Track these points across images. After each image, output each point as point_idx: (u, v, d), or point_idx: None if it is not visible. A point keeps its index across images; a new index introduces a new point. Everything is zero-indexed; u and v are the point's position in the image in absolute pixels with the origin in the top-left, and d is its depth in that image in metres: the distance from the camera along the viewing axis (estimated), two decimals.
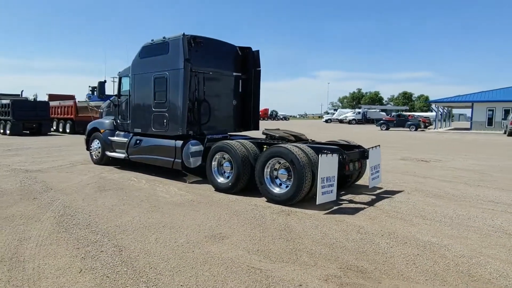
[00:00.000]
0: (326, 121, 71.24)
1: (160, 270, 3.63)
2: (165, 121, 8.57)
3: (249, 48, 9.68)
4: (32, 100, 29.77)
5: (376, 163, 7.26)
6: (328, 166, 5.87)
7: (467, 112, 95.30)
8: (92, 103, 29.27)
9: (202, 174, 8.81)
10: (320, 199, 5.75)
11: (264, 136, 8.35)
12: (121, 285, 3.32)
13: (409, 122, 37.63)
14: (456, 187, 7.96)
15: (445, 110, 44.04)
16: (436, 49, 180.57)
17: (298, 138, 7.79)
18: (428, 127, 40.29)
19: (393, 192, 7.33)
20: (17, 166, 10.39)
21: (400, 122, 38.49)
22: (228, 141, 7.41)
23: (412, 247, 4.34)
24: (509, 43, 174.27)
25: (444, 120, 44.25)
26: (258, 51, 9.68)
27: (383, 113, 64.58)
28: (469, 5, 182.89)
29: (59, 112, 27.56)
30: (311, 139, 8.00)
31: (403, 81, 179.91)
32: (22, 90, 32.44)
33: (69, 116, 26.52)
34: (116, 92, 10.72)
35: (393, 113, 58.81)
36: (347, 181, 7.41)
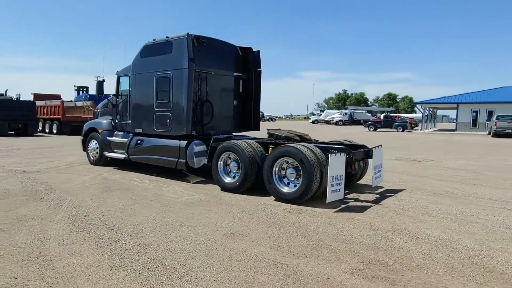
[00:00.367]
0: (313, 122, 71.84)
1: (190, 267, 3.71)
2: (168, 121, 8.61)
3: (250, 49, 9.78)
4: (15, 99, 29.12)
5: (379, 162, 7.47)
6: (337, 165, 6.04)
7: (450, 113, 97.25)
8: (79, 103, 28.94)
9: (204, 174, 8.91)
10: (329, 197, 5.90)
11: (267, 136, 8.48)
12: (155, 281, 3.39)
13: (396, 123, 38.35)
14: (453, 185, 8.24)
15: (430, 111, 44.99)
16: (417, 50, 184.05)
17: (303, 138, 7.95)
18: (414, 128, 41.09)
19: (395, 191, 7.55)
20: (12, 167, 10.25)
21: (387, 123, 39.19)
22: (235, 141, 7.50)
23: (425, 242, 4.53)
24: (489, 45, 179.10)
25: (430, 121, 45.19)
26: (258, 51, 9.79)
27: (369, 114, 65.59)
28: (449, 6, 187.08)
29: (45, 112, 27.10)
30: (314, 139, 8.16)
31: (387, 82, 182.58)
32: (7, 89, 31.63)
33: (56, 116, 26.09)
34: (112, 92, 10.68)
35: (378, 114, 59.81)
36: (350, 180, 7.59)
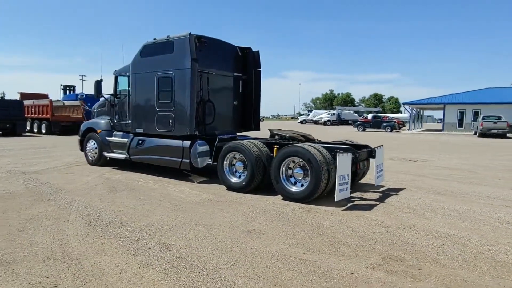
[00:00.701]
0: (301, 122, 72.27)
1: (216, 264, 3.81)
2: (170, 121, 8.64)
3: (249, 49, 9.88)
4: (0, 98, 28.61)
5: (380, 162, 7.67)
6: (344, 165, 6.20)
7: (434, 113, 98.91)
8: (67, 103, 28.60)
9: (206, 174, 8.99)
10: (338, 196, 6.06)
11: (269, 136, 8.60)
12: (186, 277, 3.48)
13: (385, 124, 38.96)
14: (451, 184, 8.50)
15: (416, 112, 45.83)
16: (402, 51, 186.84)
17: (307, 138, 8.09)
18: (402, 128, 41.78)
19: (396, 190, 7.76)
20: (10, 167, 10.14)
21: (376, 123, 39.78)
22: (241, 141, 7.60)
23: (435, 238, 4.71)
24: (472, 46, 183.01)
25: (417, 122, 46.01)
26: (258, 51, 9.90)
27: (356, 115, 66.40)
28: (433, 7, 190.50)
29: (33, 111, 26.72)
30: (318, 139, 8.31)
31: (373, 82, 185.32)
32: None
33: (44, 116, 25.77)
34: (109, 92, 10.63)
35: (365, 114, 60.62)
36: (353, 179, 7.75)
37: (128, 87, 9.72)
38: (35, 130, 26.42)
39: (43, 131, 25.63)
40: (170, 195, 7.05)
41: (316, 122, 65.39)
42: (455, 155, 15.39)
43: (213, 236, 4.70)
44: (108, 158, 10.44)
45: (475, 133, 31.31)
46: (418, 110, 46.95)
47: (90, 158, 10.87)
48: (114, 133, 10.38)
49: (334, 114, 64.70)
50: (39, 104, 26.62)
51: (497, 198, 7.12)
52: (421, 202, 6.70)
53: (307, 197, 6.43)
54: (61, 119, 25.60)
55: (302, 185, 6.63)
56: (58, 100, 31.22)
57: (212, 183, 8.22)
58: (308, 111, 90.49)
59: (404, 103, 41.54)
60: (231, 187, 7.48)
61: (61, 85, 43.16)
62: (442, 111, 39.63)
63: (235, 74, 9.71)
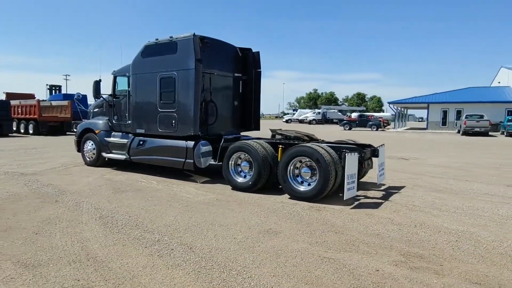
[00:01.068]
0: (287, 121, 72.49)
1: (242, 263, 3.86)
2: (173, 121, 8.62)
3: (249, 49, 9.93)
4: None
5: (382, 161, 7.85)
6: (351, 164, 6.33)
7: (416, 112, 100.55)
8: (55, 103, 28.09)
9: (208, 174, 9.02)
10: (346, 195, 6.18)
11: (270, 135, 8.67)
12: (217, 278, 3.52)
13: (370, 122, 39.60)
14: (448, 182, 8.75)
15: (399, 111, 46.68)
16: (384, 52, 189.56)
17: (311, 138, 8.19)
18: (387, 127, 42.52)
19: (397, 188, 7.95)
20: (6, 169, 9.94)
21: (362, 122, 40.40)
22: (247, 141, 7.65)
23: (447, 235, 4.87)
24: (453, 47, 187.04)
25: (401, 120, 46.88)
26: (258, 52, 9.96)
27: (340, 114, 67.29)
28: (417, 8, 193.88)
29: (20, 112, 26.12)
30: (321, 139, 8.43)
31: (356, 82, 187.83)
32: None
33: (32, 116, 25.22)
34: (107, 92, 10.52)
35: (349, 113, 61.41)
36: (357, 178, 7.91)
37: (128, 87, 9.64)
38: (22, 131, 25.83)
39: (31, 131, 25.10)
40: (177, 195, 7.06)
41: (301, 121, 65.83)
42: (443, 153, 15.79)
43: (232, 236, 4.75)
44: (106, 159, 10.35)
45: (459, 132, 32.13)
46: (402, 109, 47.84)
47: (88, 158, 10.74)
48: (113, 133, 10.29)
49: (319, 113, 65.30)
50: (26, 104, 26.05)
51: (495, 195, 7.37)
52: (424, 199, 6.88)
53: (315, 196, 6.53)
54: (49, 119, 25.14)
55: (309, 184, 6.73)
56: (45, 100, 30.64)
57: (216, 183, 8.25)
58: (293, 110, 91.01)
59: (389, 102, 42.28)
60: (237, 187, 7.52)
61: (47, 84, 42.37)
62: (425, 110, 40.53)
63: (236, 74, 9.75)
